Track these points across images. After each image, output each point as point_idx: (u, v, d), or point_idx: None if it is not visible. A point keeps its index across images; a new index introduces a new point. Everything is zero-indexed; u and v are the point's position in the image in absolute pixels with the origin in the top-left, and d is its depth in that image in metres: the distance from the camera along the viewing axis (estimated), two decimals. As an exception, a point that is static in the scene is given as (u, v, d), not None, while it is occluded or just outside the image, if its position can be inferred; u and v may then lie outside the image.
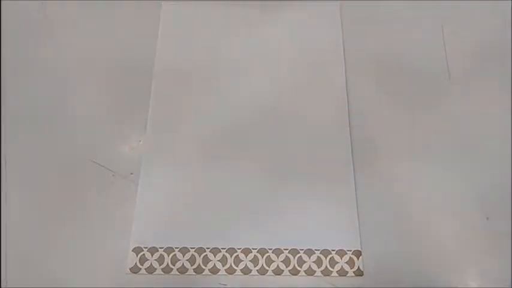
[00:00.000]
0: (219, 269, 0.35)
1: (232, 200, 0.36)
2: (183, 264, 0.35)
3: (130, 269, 0.35)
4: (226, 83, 0.41)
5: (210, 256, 0.35)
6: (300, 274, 0.35)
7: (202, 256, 0.35)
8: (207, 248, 0.35)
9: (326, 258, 0.35)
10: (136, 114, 0.41)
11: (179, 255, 0.35)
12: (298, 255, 0.35)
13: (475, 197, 0.38)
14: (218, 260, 0.35)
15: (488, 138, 0.40)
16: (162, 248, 0.35)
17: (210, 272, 0.35)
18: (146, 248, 0.35)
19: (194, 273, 0.35)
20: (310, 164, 0.38)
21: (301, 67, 0.42)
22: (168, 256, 0.35)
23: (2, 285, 0.36)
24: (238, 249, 0.35)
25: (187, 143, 0.39)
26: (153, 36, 0.46)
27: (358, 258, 0.35)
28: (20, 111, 0.43)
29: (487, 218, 0.37)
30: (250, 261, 0.35)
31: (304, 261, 0.35)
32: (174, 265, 0.35)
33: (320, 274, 0.35)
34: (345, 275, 0.34)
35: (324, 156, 0.38)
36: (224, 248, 0.35)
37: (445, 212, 0.37)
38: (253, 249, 0.35)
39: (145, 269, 0.35)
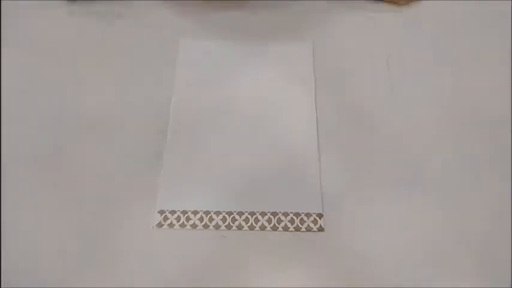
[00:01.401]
0: (220, 225, 0.48)
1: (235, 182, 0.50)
2: (194, 222, 0.48)
3: (156, 224, 0.48)
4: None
5: (214, 216, 0.48)
6: (278, 230, 0.48)
7: (208, 216, 0.48)
8: (211, 211, 0.49)
9: (297, 218, 0.48)
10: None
11: (191, 216, 0.48)
12: (277, 216, 0.49)
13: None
14: (220, 219, 0.48)
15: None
16: (179, 210, 0.49)
17: (214, 227, 0.48)
18: (167, 210, 0.49)
19: (202, 228, 0.48)
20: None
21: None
22: (183, 216, 0.48)
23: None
24: (234, 212, 0.49)
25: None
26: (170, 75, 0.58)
27: (320, 219, 0.49)
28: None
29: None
30: (243, 220, 0.48)
31: (282, 221, 0.48)
32: (187, 222, 0.48)
33: (293, 229, 0.48)
34: (310, 230, 0.48)
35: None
36: (224, 211, 0.49)
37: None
38: (245, 212, 0.49)
39: (167, 225, 0.48)
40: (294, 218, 0.49)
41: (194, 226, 0.48)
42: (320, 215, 0.49)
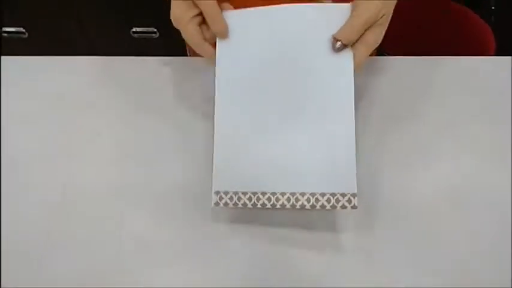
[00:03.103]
0: (266, 204, 0.56)
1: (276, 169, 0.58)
2: (244, 201, 0.57)
3: (214, 203, 0.57)
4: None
5: (260, 196, 0.56)
6: (316, 208, 0.56)
7: (255, 196, 0.57)
8: (258, 192, 0.57)
9: (333, 198, 0.56)
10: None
11: (241, 196, 0.57)
12: (316, 196, 0.56)
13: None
14: (266, 199, 0.56)
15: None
16: (231, 191, 0.57)
17: (261, 205, 0.56)
18: (222, 191, 0.57)
19: (251, 207, 0.56)
20: None
21: None
22: (235, 196, 0.57)
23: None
24: (277, 192, 0.57)
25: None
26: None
27: (354, 198, 0.56)
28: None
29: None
30: (285, 199, 0.56)
31: (319, 200, 0.56)
32: (239, 201, 0.57)
33: (329, 208, 0.56)
34: (346, 208, 0.56)
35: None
36: (269, 192, 0.57)
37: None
38: (287, 192, 0.56)
39: (222, 204, 0.57)
40: (330, 197, 0.56)
41: (245, 205, 0.56)
42: (354, 195, 0.56)
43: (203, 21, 0.59)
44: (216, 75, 0.59)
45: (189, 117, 0.70)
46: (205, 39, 0.59)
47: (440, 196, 0.62)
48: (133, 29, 1.65)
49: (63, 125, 0.68)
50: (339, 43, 0.56)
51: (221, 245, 0.60)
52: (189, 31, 0.58)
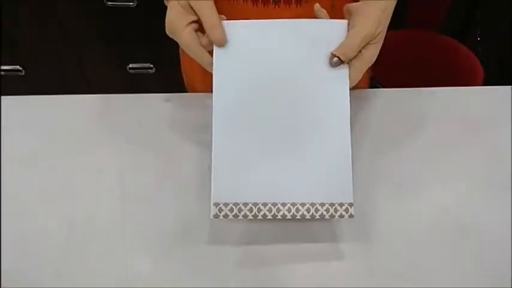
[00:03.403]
0: (267, 215, 0.57)
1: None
2: (245, 213, 0.57)
3: (213, 216, 0.57)
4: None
5: (261, 207, 0.57)
6: (316, 218, 0.57)
7: (256, 207, 0.57)
8: (259, 203, 0.57)
9: (332, 207, 0.57)
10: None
11: (242, 207, 0.57)
12: (315, 206, 0.57)
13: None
14: (267, 210, 0.57)
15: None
16: (231, 203, 0.57)
17: (262, 217, 0.57)
18: (221, 203, 0.57)
19: (252, 218, 0.57)
20: None
21: None
22: (236, 207, 0.57)
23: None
24: (278, 203, 0.57)
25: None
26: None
27: (351, 207, 0.57)
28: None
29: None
30: (286, 210, 0.57)
31: (319, 210, 0.57)
32: (239, 213, 0.57)
33: (328, 217, 0.57)
34: (343, 217, 0.57)
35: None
36: (270, 202, 0.57)
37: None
38: (287, 202, 0.57)
39: (222, 216, 0.57)
40: (329, 207, 0.57)
41: (245, 216, 0.57)
42: (351, 204, 0.57)
43: (199, 28, 0.59)
44: (214, 84, 0.60)
45: (187, 152, 0.69)
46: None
47: (433, 222, 0.63)
48: (130, 65, 1.69)
49: (62, 163, 0.68)
50: (336, 59, 0.58)
51: (222, 277, 0.60)
52: (186, 38, 0.57)
